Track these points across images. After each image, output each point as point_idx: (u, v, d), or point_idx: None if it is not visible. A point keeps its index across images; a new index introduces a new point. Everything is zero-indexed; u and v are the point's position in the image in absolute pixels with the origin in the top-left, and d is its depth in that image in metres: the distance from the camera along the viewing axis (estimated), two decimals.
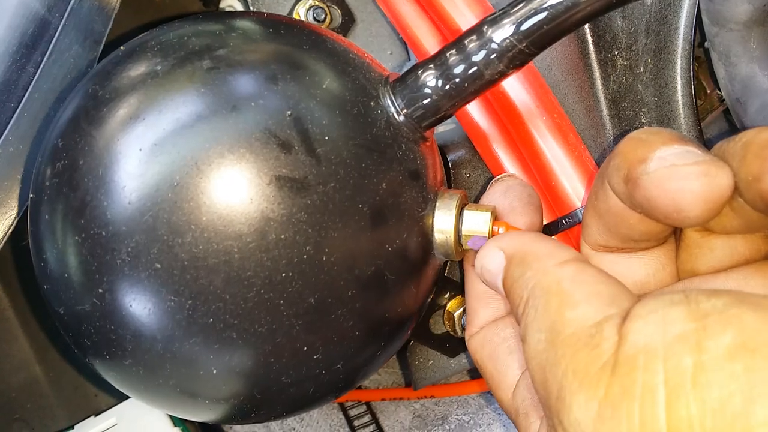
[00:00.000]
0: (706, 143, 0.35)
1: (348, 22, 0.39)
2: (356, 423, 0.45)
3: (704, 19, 0.33)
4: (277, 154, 0.23)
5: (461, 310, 0.36)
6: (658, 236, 0.25)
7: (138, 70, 0.25)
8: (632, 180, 0.22)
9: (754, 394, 0.16)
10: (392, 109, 0.26)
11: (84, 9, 0.30)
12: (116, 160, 0.23)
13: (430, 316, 0.37)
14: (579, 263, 0.22)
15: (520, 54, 0.25)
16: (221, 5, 0.40)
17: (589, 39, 0.34)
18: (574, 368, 0.19)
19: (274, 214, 0.23)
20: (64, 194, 0.24)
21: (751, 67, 0.32)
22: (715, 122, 0.40)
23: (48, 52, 0.29)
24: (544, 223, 0.33)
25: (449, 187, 0.34)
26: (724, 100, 0.35)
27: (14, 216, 0.29)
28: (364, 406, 0.45)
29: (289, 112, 0.24)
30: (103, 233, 0.23)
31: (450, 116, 0.27)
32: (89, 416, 0.38)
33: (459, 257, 0.29)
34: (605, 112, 0.35)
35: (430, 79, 0.26)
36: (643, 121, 0.34)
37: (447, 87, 0.26)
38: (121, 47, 0.27)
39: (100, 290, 0.24)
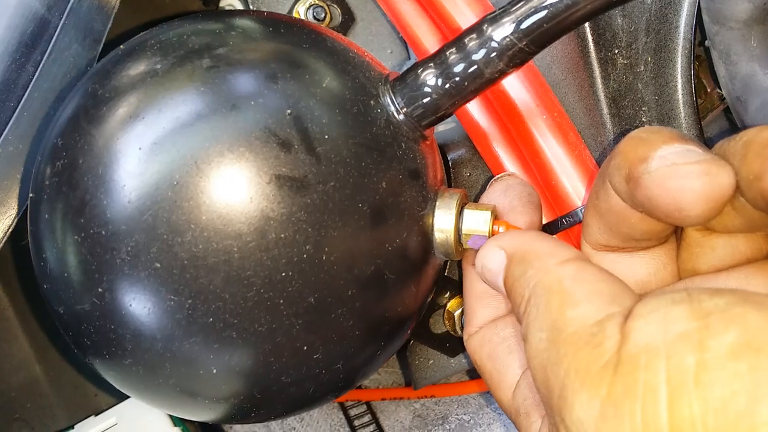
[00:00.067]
0: (707, 142, 0.35)
1: (348, 21, 0.39)
2: (356, 423, 0.45)
3: (704, 17, 0.33)
4: (276, 153, 0.23)
5: (461, 309, 0.36)
6: (659, 235, 0.25)
7: (138, 68, 0.25)
8: (633, 179, 0.22)
9: (758, 393, 0.16)
10: (392, 108, 0.26)
11: (84, 8, 0.30)
12: (116, 159, 0.23)
13: (430, 316, 0.37)
14: (580, 262, 0.22)
15: (520, 52, 0.25)
16: (221, 4, 0.40)
17: (590, 37, 0.34)
18: (576, 367, 0.19)
19: (273, 213, 0.23)
20: (64, 193, 0.24)
21: (751, 65, 0.32)
22: (715, 121, 0.40)
23: (48, 51, 0.29)
24: (544, 222, 0.33)
25: (449, 186, 0.34)
26: (724, 98, 0.35)
27: (14, 215, 0.29)
28: (364, 406, 0.45)
29: (288, 111, 0.24)
30: (103, 232, 0.23)
31: (450, 115, 0.27)
32: (89, 416, 0.38)
33: (459, 256, 0.29)
34: (605, 110, 0.35)
35: (430, 77, 0.26)
36: (643, 119, 0.34)
37: (447, 86, 0.26)
38: (121, 46, 0.27)
39: (99, 289, 0.24)
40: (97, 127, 0.24)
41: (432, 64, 0.26)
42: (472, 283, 0.30)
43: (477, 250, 0.27)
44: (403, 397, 0.45)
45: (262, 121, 0.23)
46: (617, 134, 0.35)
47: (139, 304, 0.23)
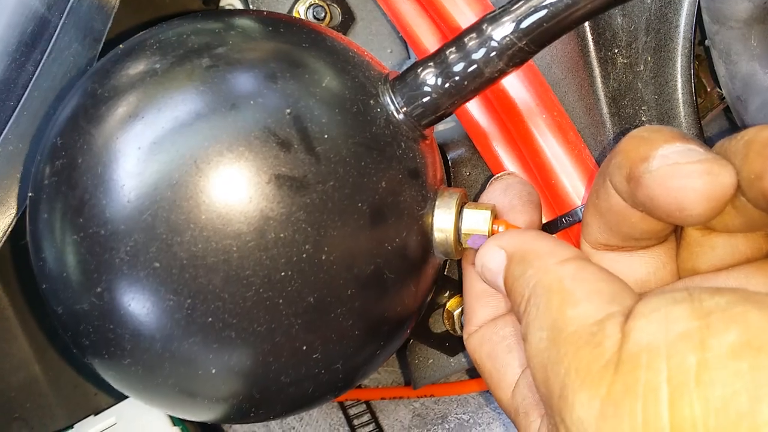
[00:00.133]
0: (707, 141, 0.35)
1: (348, 21, 0.39)
2: (356, 422, 0.45)
3: (704, 16, 0.33)
4: (276, 153, 0.23)
5: (461, 309, 0.36)
6: (659, 234, 0.25)
7: (137, 68, 0.25)
8: (634, 178, 0.22)
9: (759, 393, 0.16)
10: (392, 108, 0.26)
11: (84, 7, 0.30)
12: (115, 159, 0.23)
13: (430, 315, 0.37)
14: (580, 261, 0.22)
15: (519, 52, 0.25)
16: (221, 3, 0.40)
17: (589, 37, 0.34)
18: (576, 366, 0.19)
19: (273, 213, 0.23)
20: (63, 193, 0.24)
21: (751, 64, 0.32)
22: (715, 120, 0.40)
23: (47, 50, 0.29)
24: (544, 221, 0.32)
25: (449, 185, 0.34)
26: (724, 98, 0.35)
27: (13, 215, 0.29)
28: (364, 405, 0.45)
29: (288, 111, 0.24)
30: (102, 232, 0.23)
31: (450, 114, 0.27)
32: (89, 415, 0.38)
33: (459, 256, 0.29)
34: (605, 110, 0.35)
35: (429, 77, 0.26)
36: (643, 119, 0.34)
37: (447, 85, 0.26)
38: (121, 45, 0.27)
39: (98, 289, 0.24)
40: (96, 127, 0.24)
41: (432, 64, 0.26)
42: (472, 283, 0.30)
43: (477, 250, 0.27)
44: (402, 397, 0.45)
45: (262, 121, 0.23)
46: (617, 133, 0.35)
47: (138, 304, 0.23)
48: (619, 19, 0.34)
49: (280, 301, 0.23)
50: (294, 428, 0.45)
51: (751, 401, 0.16)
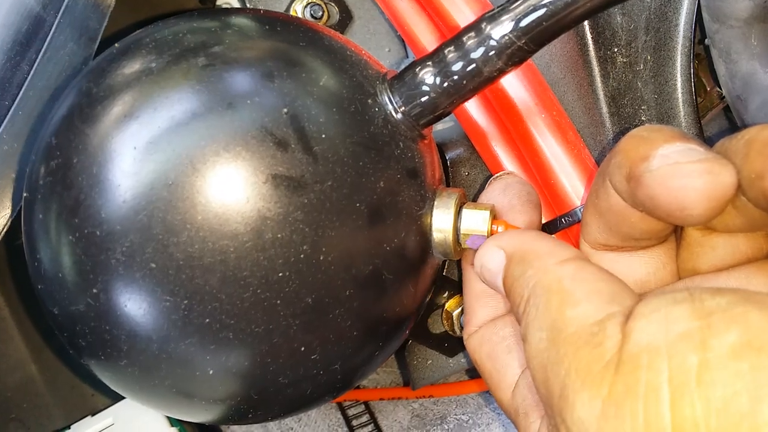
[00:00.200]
0: (706, 141, 0.35)
1: (345, 19, 0.39)
2: (354, 423, 0.45)
3: (704, 15, 0.33)
4: (273, 152, 0.23)
5: (460, 309, 0.36)
6: (659, 235, 0.25)
7: (133, 67, 0.25)
8: (635, 178, 0.22)
9: (760, 393, 0.16)
10: (390, 107, 0.26)
11: (79, 6, 0.30)
12: (110, 159, 0.23)
13: (429, 316, 0.37)
14: (580, 261, 0.22)
15: (518, 51, 0.24)
16: (218, 2, 0.40)
17: (589, 36, 0.34)
18: (576, 367, 0.19)
19: (270, 213, 0.23)
20: (58, 193, 0.24)
21: (751, 64, 0.32)
22: (715, 120, 0.40)
23: (43, 49, 0.29)
24: (543, 221, 0.32)
25: (447, 185, 0.34)
26: (724, 97, 0.35)
27: (8, 215, 0.28)
28: (363, 406, 0.45)
29: (285, 110, 0.24)
30: (98, 232, 0.23)
31: (448, 114, 0.27)
32: (86, 416, 0.38)
33: (458, 256, 0.28)
34: (605, 109, 0.35)
35: (428, 76, 0.26)
36: (642, 118, 0.34)
37: (445, 84, 0.25)
38: (116, 44, 0.27)
39: (94, 290, 0.23)
40: (91, 126, 0.24)
41: (430, 63, 0.26)
42: (471, 283, 0.30)
43: (476, 250, 0.27)
44: (401, 397, 0.45)
45: (259, 120, 0.23)
46: (616, 133, 0.35)
47: (134, 305, 0.23)
48: (618, 18, 0.34)
49: (278, 301, 0.23)
50: (292, 429, 0.44)
51: (751, 401, 0.16)
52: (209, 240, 0.23)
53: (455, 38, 0.25)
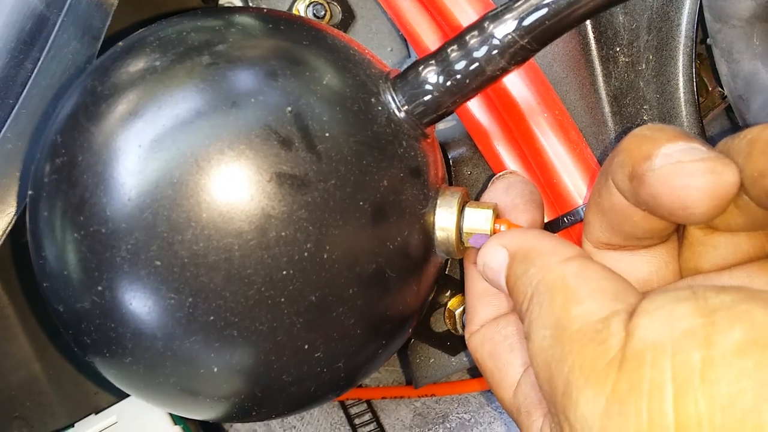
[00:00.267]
0: (708, 141, 0.35)
1: (348, 19, 0.39)
2: (357, 421, 0.45)
3: (706, 15, 0.33)
4: (277, 151, 0.23)
5: (462, 308, 0.36)
6: (662, 234, 0.25)
7: (137, 66, 0.25)
8: (637, 177, 0.22)
9: (765, 390, 0.16)
10: (393, 106, 0.26)
11: (82, 5, 0.30)
12: (115, 157, 0.23)
13: (431, 314, 0.37)
14: (583, 260, 0.22)
15: (521, 50, 0.24)
16: (220, 1, 0.40)
17: (591, 35, 0.34)
18: (580, 364, 0.19)
19: (274, 212, 0.23)
20: (63, 191, 0.24)
21: (753, 63, 0.32)
22: (716, 119, 0.40)
23: (46, 48, 0.29)
24: (546, 220, 0.32)
25: (450, 184, 0.34)
26: (726, 97, 0.35)
27: (13, 213, 0.28)
28: (365, 405, 0.45)
29: (289, 109, 0.24)
30: (103, 230, 0.23)
31: (451, 113, 0.27)
32: (89, 414, 0.38)
33: (460, 255, 0.28)
34: (607, 109, 0.35)
35: (431, 75, 0.26)
36: (644, 118, 0.34)
37: (448, 83, 0.26)
38: (120, 43, 0.27)
39: (99, 288, 0.23)
40: (96, 125, 0.24)
41: (433, 62, 0.26)
42: (474, 282, 0.30)
43: (478, 249, 0.27)
44: (403, 396, 0.45)
45: (263, 119, 0.23)
46: (619, 132, 0.35)
47: (139, 303, 0.23)
48: (620, 18, 0.34)
49: (282, 299, 0.23)
50: (295, 427, 0.45)
51: (756, 399, 0.16)
52: (214, 238, 0.23)
53: (458, 37, 0.25)
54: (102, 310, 0.24)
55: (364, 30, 0.40)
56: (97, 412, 0.38)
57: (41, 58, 0.29)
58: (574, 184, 0.32)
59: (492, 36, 0.24)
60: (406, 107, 0.26)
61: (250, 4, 0.39)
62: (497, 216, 0.28)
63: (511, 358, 0.28)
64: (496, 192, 0.30)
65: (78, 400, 0.38)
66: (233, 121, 0.23)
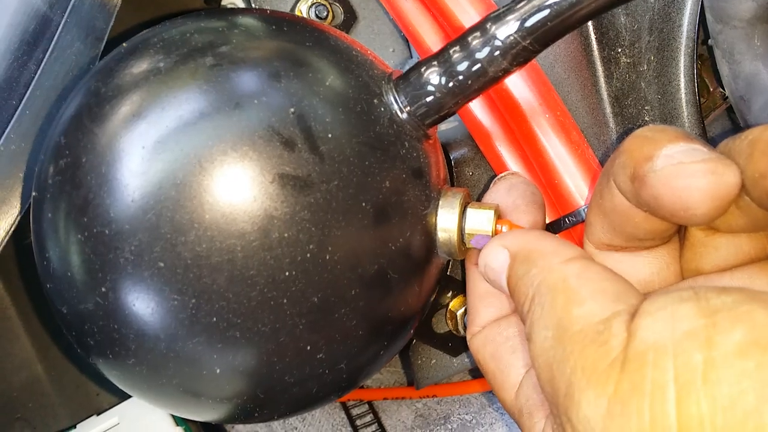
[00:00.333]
0: (710, 141, 0.35)
1: (350, 20, 0.39)
2: (358, 422, 0.45)
3: (708, 16, 0.33)
4: (280, 152, 0.23)
5: (464, 309, 0.36)
6: (663, 235, 0.25)
7: (140, 67, 0.25)
8: (639, 178, 0.22)
9: (766, 391, 0.16)
10: (395, 107, 0.26)
11: (85, 5, 0.30)
12: (119, 158, 0.23)
13: (433, 315, 0.37)
14: (584, 260, 0.22)
15: (523, 51, 0.25)
16: (223, 2, 0.40)
17: (593, 36, 0.34)
18: (582, 365, 0.19)
19: (277, 213, 0.23)
20: (67, 192, 0.24)
21: (755, 64, 0.32)
22: (717, 120, 0.40)
23: (50, 49, 0.29)
24: (547, 221, 0.32)
25: (452, 185, 0.34)
26: (727, 97, 0.35)
27: (16, 214, 0.29)
28: (366, 406, 0.45)
29: (292, 110, 0.24)
30: (106, 231, 0.23)
31: (453, 114, 0.27)
32: (91, 415, 0.38)
33: (462, 256, 0.29)
34: (608, 109, 0.35)
35: (433, 76, 0.26)
36: (646, 118, 0.34)
37: (450, 84, 0.26)
38: (124, 44, 0.27)
39: (103, 289, 0.24)
40: (100, 126, 0.24)
41: (435, 63, 0.26)
42: (475, 283, 0.30)
43: (480, 250, 0.27)
44: (405, 397, 0.45)
45: (266, 120, 0.23)
46: (620, 133, 0.35)
47: (142, 304, 0.23)
48: (622, 19, 0.34)
49: (285, 300, 0.23)
50: (296, 428, 0.45)
51: (757, 400, 0.16)
52: (217, 239, 0.23)
53: (460, 38, 0.25)
54: (105, 311, 0.24)
55: (366, 31, 0.40)
56: (98, 414, 0.38)
57: (44, 59, 0.29)
58: (576, 184, 0.32)
59: (494, 37, 0.24)
60: (409, 108, 0.26)
61: (253, 5, 0.39)
62: (499, 217, 0.28)
63: (513, 359, 0.28)
64: (497, 193, 0.30)
65: (80, 401, 0.38)
66: (236, 122, 0.23)
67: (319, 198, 0.23)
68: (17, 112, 0.28)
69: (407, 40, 0.40)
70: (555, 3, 0.23)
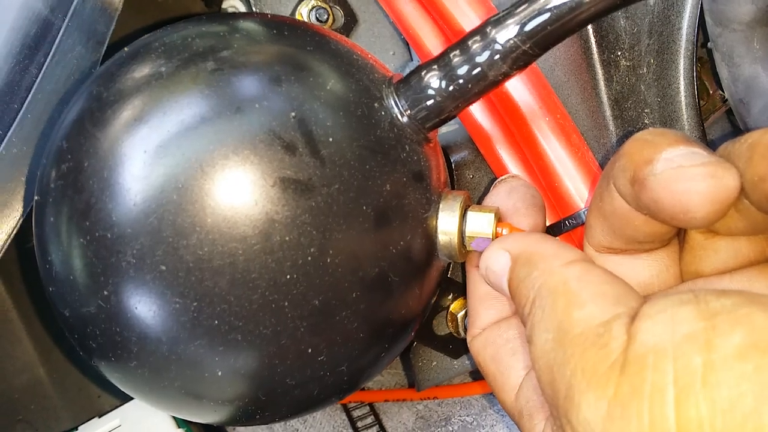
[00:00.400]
0: (709, 144, 0.35)
1: (350, 23, 0.39)
2: (359, 424, 0.45)
3: (707, 19, 0.33)
4: (281, 156, 0.23)
5: (464, 311, 0.36)
6: (663, 238, 0.25)
7: (142, 71, 0.25)
8: (639, 181, 0.22)
9: (766, 394, 0.16)
10: (396, 111, 0.26)
11: (87, 10, 0.30)
12: (121, 162, 0.23)
13: (434, 318, 0.37)
14: (585, 263, 0.22)
15: (523, 55, 0.25)
16: (223, 6, 0.40)
17: (592, 39, 0.34)
18: (582, 367, 0.19)
19: (278, 216, 0.23)
20: (69, 196, 0.24)
21: (754, 67, 0.32)
22: (717, 123, 0.40)
23: (51, 53, 0.29)
24: (548, 224, 0.33)
25: (452, 188, 0.34)
26: (726, 100, 0.35)
27: (18, 217, 0.29)
28: (368, 407, 0.45)
29: (293, 114, 0.24)
30: (108, 235, 0.23)
31: (453, 117, 0.27)
32: (93, 417, 0.38)
33: (462, 259, 0.29)
34: (608, 112, 0.35)
35: (433, 80, 0.26)
36: (646, 122, 0.34)
37: (450, 88, 0.26)
38: (125, 48, 0.27)
39: (105, 292, 0.24)
40: (102, 130, 0.24)
41: (436, 67, 0.26)
42: (476, 285, 0.30)
43: (480, 252, 0.27)
44: (406, 399, 0.45)
45: (267, 124, 0.24)
46: (620, 136, 0.35)
47: (144, 307, 0.23)
48: (622, 22, 0.34)
49: (286, 303, 0.24)
50: (298, 430, 0.45)
51: (757, 402, 0.16)
52: (218, 243, 0.23)
53: (461, 42, 0.26)
54: (107, 314, 0.24)
55: (366, 34, 0.40)
56: (100, 416, 0.38)
57: (46, 63, 0.29)
58: (576, 187, 0.32)
59: (494, 41, 0.25)
60: (409, 112, 0.26)
61: (254, 9, 0.39)
62: (499, 220, 0.28)
63: (513, 361, 0.28)
64: (498, 196, 0.30)
65: (82, 403, 0.38)
66: (237, 126, 0.23)
67: (320, 201, 0.24)
68: (19, 116, 0.28)
69: (407, 43, 0.40)
70: (555, 7, 0.24)
